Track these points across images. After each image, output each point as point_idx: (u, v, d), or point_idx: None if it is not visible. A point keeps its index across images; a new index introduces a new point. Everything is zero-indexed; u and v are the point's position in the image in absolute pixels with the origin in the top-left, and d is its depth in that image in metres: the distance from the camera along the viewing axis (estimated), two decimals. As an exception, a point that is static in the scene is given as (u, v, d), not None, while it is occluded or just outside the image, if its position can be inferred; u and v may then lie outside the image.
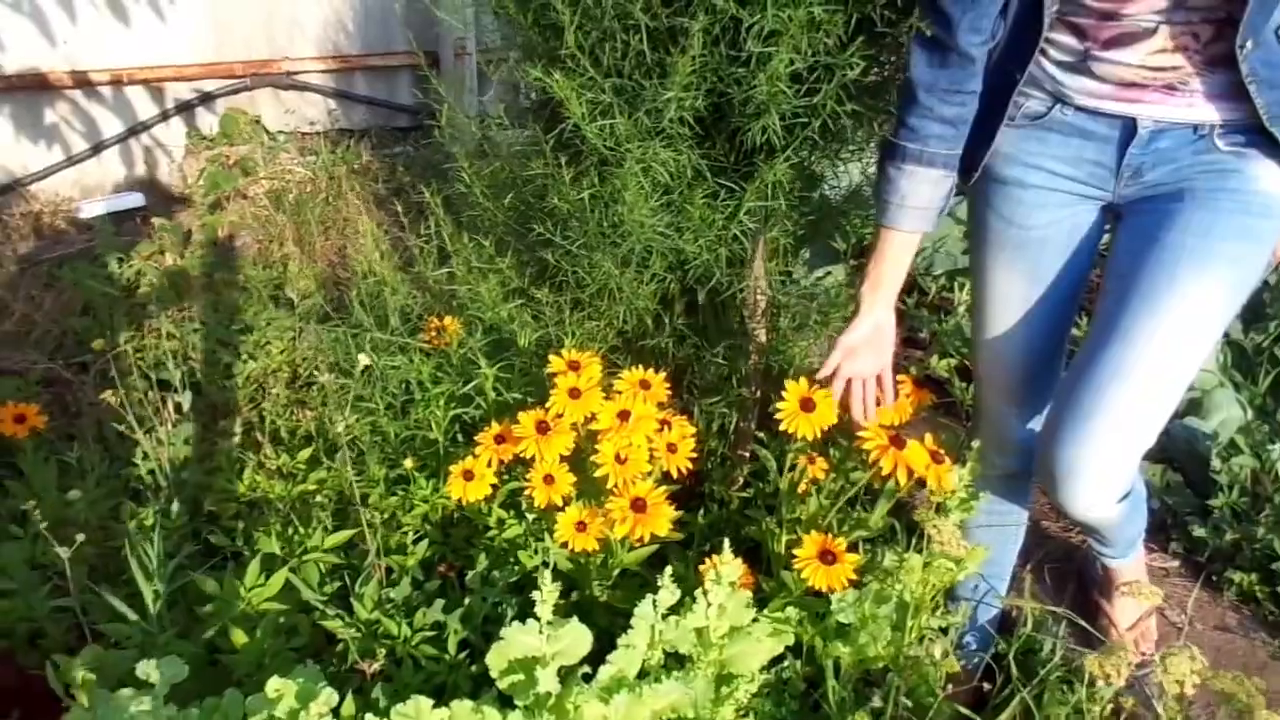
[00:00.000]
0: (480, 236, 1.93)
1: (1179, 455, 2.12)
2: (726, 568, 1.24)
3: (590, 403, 1.47)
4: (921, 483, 1.44)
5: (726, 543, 1.25)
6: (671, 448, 1.50)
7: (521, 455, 1.46)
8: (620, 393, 1.51)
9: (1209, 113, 1.25)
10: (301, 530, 1.58)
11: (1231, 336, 2.37)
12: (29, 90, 3.24)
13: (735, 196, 1.62)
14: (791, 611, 1.39)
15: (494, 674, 1.15)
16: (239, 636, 1.31)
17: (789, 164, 1.54)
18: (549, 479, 1.44)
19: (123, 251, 2.79)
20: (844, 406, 1.46)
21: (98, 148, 3.42)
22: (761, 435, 1.72)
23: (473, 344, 1.75)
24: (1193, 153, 1.28)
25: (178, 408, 1.96)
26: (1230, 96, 1.22)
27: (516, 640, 1.17)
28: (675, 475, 1.50)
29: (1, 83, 3.17)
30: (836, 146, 1.72)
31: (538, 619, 1.14)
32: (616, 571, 1.53)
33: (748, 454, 1.82)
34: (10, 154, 3.30)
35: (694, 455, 1.52)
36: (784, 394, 1.46)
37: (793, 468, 1.56)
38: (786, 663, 1.40)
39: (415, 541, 1.61)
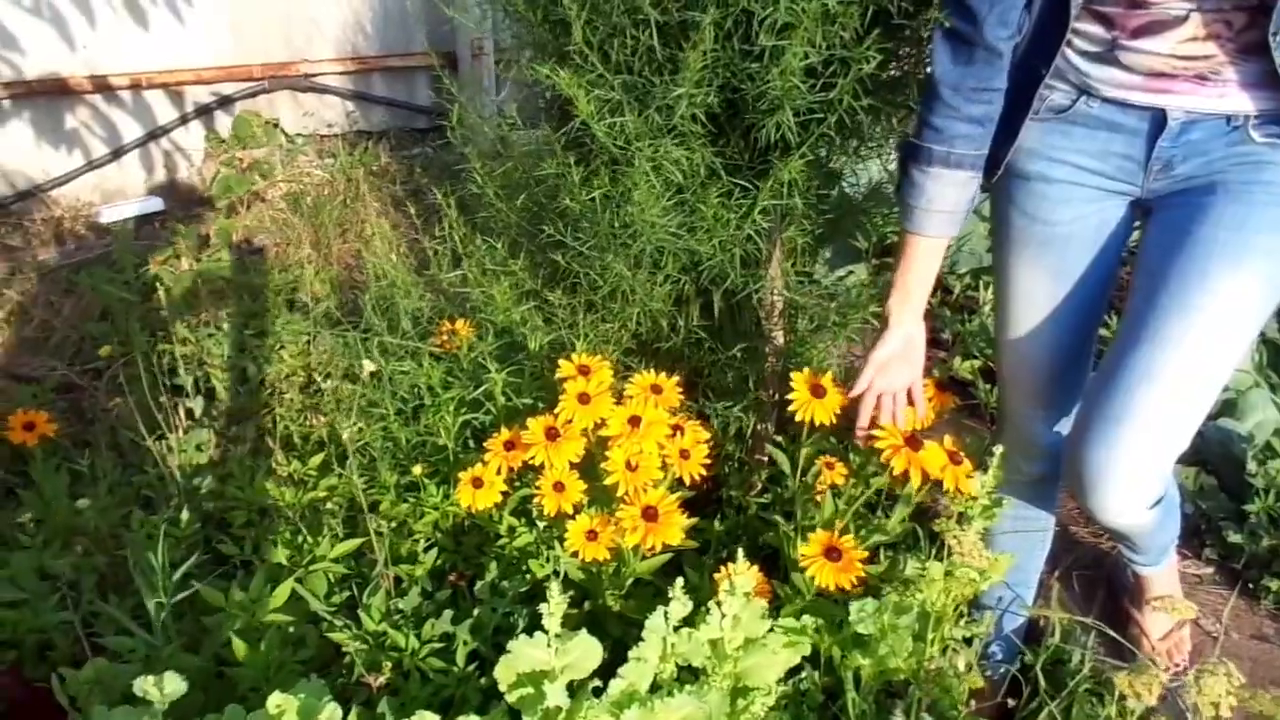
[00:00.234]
0: (493, 238, 1.90)
1: (1213, 458, 2.05)
2: (741, 577, 1.20)
3: (600, 408, 1.43)
4: (941, 486, 1.39)
5: (741, 551, 1.21)
6: (684, 454, 1.46)
7: (531, 462, 1.43)
8: (631, 398, 1.48)
9: (1242, 103, 1.20)
10: (310, 539, 1.56)
11: (1267, 335, 2.29)
12: (49, 95, 3.25)
13: (750, 195, 1.58)
14: (809, 620, 1.35)
15: (502, 687, 1.12)
16: (241, 649, 1.29)
17: (804, 160, 1.49)
18: (559, 486, 1.41)
19: (140, 256, 2.79)
20: (874, 423, 1.42)
21: (118, 152, 3.43)
22: (779, 439, 1.68)
23: (483, 348, 1.72)
24: (1225, 144, 1.23)
25: (190, 413, 1.94)
26: (1265, 86, 1.17)
27: (524, 653, 1.14)
28: (689, 482, 1.46)
29: (21, 88, 3.19)
30: (854, 143, 1.68)
31: (546, 630, 1.12)
32: (629, 581, 1.49)
33: (765, 458, 1.78)
34: (31, 159, 3.31)
35: (710, 460, 1.49)
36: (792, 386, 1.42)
37: (808, 472, 1.52)
38: (804, 674, 1.36)
39: (426, 550, 1.59)
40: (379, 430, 1.77)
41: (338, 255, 3.02)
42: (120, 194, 3.48)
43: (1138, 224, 1.38)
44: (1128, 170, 1.29)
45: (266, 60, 3.64)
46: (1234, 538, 1.87)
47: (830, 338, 1.80)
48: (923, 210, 1.32)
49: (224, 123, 3.65)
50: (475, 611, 1.42)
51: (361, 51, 3.83)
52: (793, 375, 1.43)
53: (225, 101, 3.60)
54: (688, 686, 1.17)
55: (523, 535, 1.55)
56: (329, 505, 1.71)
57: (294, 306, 2.50)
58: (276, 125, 3.73)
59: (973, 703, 1.28)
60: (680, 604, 1.17)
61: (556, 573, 1.46)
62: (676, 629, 1.19)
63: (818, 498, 1.53)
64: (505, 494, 1.49)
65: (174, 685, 1.05)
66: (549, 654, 1.12)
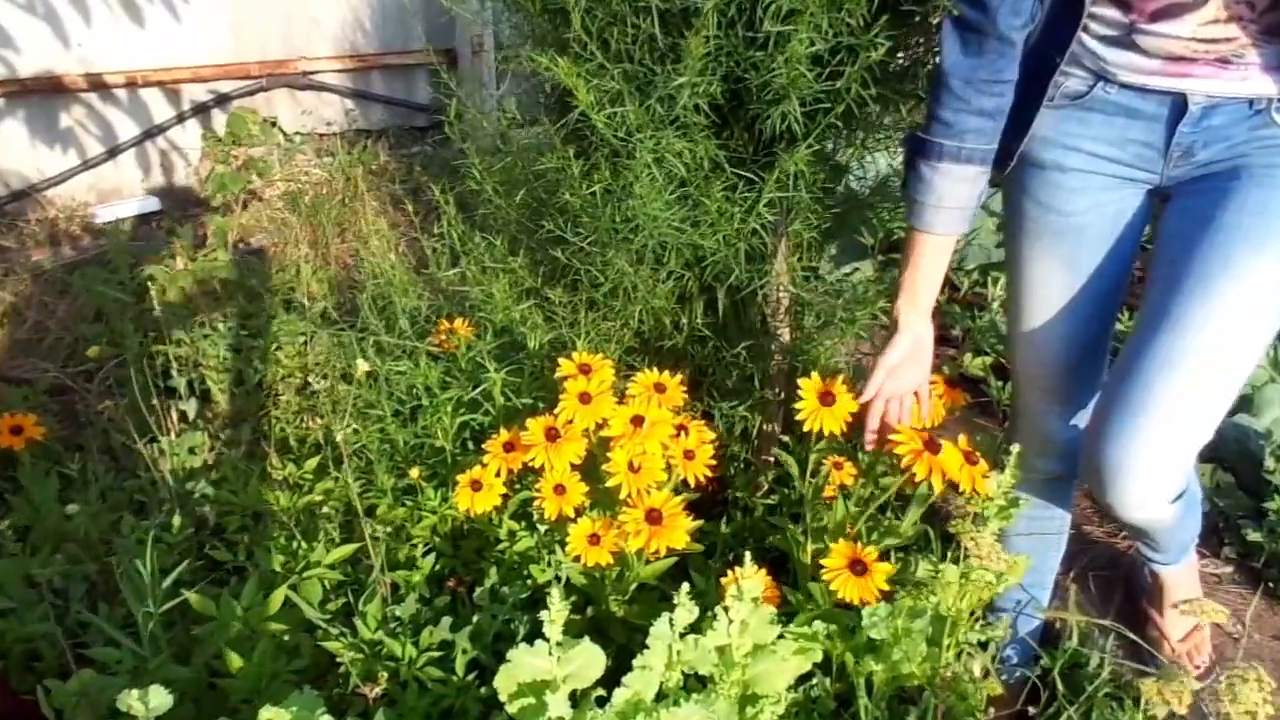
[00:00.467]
0: (493, 235, 1.87)
1: (1229, 455, 2.01)
2: (749, 582, 1.16)
3: (601, 408, 1.39)
4: (956, 486, 1.35)
5: (749, 555, 1.17)
6: (689, 454, 1.42)
7: (531, 464, 1.39)
8: (634, 397, 1.43)
9: (1265, 86, 1.16)
10: (305, 544, 1.52)
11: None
12: (43, 93, 3.21)
13: (754, 188, 1.53)
14: (819, 626, 1.31)
15: (503, 698, 1.09)
16: (233, 660, 1.25)
17: (811, 152, 1.45)
18: (560, 489, 1.37)
19: (136, 257, 2.76)
20: (883, 425, 1.38)
21: (113, 151, 3.39)
22: (785, 439, 1.64)
23: (482, 346, 1.68)
24: (1248, 129, 1.19)
25: (183, 416, 1.90)
26: None
27: (525, 662, 1.10)
28: (694, 484, 1.42)
29: (15, 86, 3.15)
30: (861, 135, 1.63)
31: (547, 639, 1.08)
32: (633, 586, 1.45)
33: (772, 459, 1.74)
34: (25, 159, 3.27)
35: (715, 461, 1.44)
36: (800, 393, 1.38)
37: (816, 473, 1.48)
38: (815, 680, 1.32)
39: (423, 555, 1.55)
40: (376, 432, 1.73)
41: (336, 255, 2.98)
42: (116, 194, 3.44)
43: (1153, 214, 1.34)
44: (1146, 158, 1.25)
45: (264, 58, 3.59)
46: (1253, 536, 1.82)
47: (838, 334, 1.76)
48: (931, 207, 1.28)
49: (221, 122, 3.61)
50: (474, 618, 1.38)
51: (360, 49, 3.79)
52: (800, 382, 1.38)
53: (223, 100, 3.56)
54: (695, 695, 1.14)
55: (523, 539, 1.51)
56: (324, 509, 1.67)
57: (291, 307, 2.46)
58: (274, 124, 3.69)
59: (991, 710, 1.23)
60: (686, 610, 1.14)
61: (558, 578, 1.42)
62: (683, 636, 1.15)
63: (827, 500, 1.49)
64: (505, 497, 1.45)
65: (159, 699, 1.01)
66: (551, 662, 1.08)
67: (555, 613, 1.06)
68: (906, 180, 1.31)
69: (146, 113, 3.44)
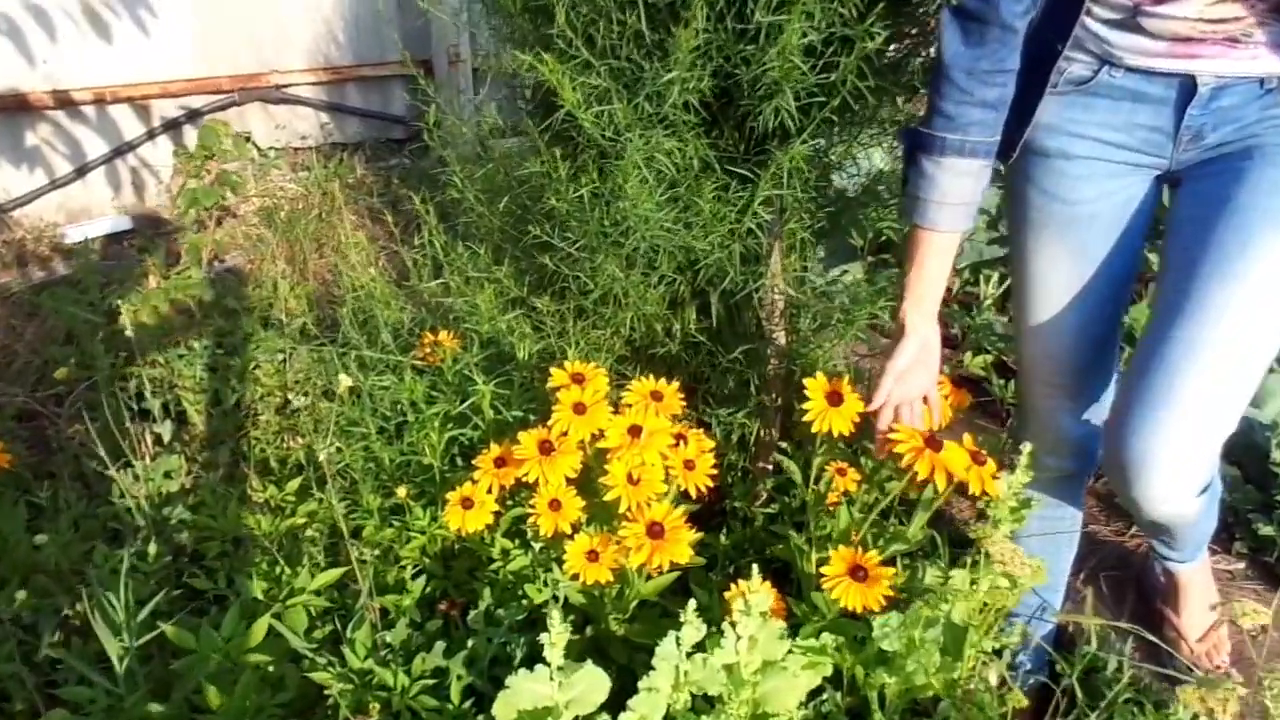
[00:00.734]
0: (476, 245, 1.81)
1: (1234, 448, 1.97)
2: (756, 595, 1.11)
3: (597, 418, 1.33)
4: (962, 490, 1.30)
5: (755, 568, 1.12)
6: (689, 464, 1.36)
7: (524, 479, 1.32)
8: (630, 406, 1.38)
9: (1276, 64, 1.13)
10: (289, 570, 1.45)
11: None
12: (8, 111, 3.13)
13: (747, 188, 1.48)
14: (828, 639, 1.26)
15: (501, 727, 1.03)
16: (214, 695, 1.18)
17: (806, 146, 1.40)
18: (555, 504, 1.31)
19: (107, 277, 2.68)
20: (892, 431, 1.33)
21: (82, 170, 3.31)
22: (784, 445, 1.59)
23: (469, 359, 1.62)
24: (1260, 108, 1.15)
25: (159, 439, 1.83)
26: None
27: (524, 689, 1.05)
28: (695, 495, 1.37)
29: (-21, 105, 3.07)
30: (856, 130, 1.59)
31: (547, 663, 1.02)
32: (634, 603, 1.39)
33: (771, 466, 1.69)
34: (-10, 180, 3.19)
35: (713, 470, 1.39)
36: (807, 394, 1.33)
37: (818, 479, 1.43)
38: (825, 695, 1.27)
39: (413, 578, 1.48)
40: (360, 450, 1.67)
41: (314, 271, 2.91)
42: (85, 213, 3.35)
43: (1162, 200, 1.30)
44: (1155, 142, 1.21)
45: (235, 72, 3.52)
46: (1265, 530, 1.78)
47: (836, 336, 1.71)
48: (935, 204, 1.23)
49: (193, 137, 3.53)
50: (469, 643, 1.32)
51: (334, 61, 3.72)
52: (807, 383, 1.33)
53: (194, 115, 3.48)
54: (704, 717, 1.09)
55: (518, 558, 1.45)
56: (308, 533, 1.61)
57: (269, 324, 2.39)
58: (248, 139, 3.62)
59: (1009, 721, 1.18)
60: (694, 628, 1.08)
61: (556, 597, 1.36)
62: (689, 655, 1.10)
63: (831, 507, 1.44)
64: (497, 514, 1.39)
65: (134, 742, 0.94)
66: (552, 688, 1.04)
67: (556, 635, 1.00)
68: (907, 176, 1.26)
69: (116, 130, 3.36)
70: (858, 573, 1.23)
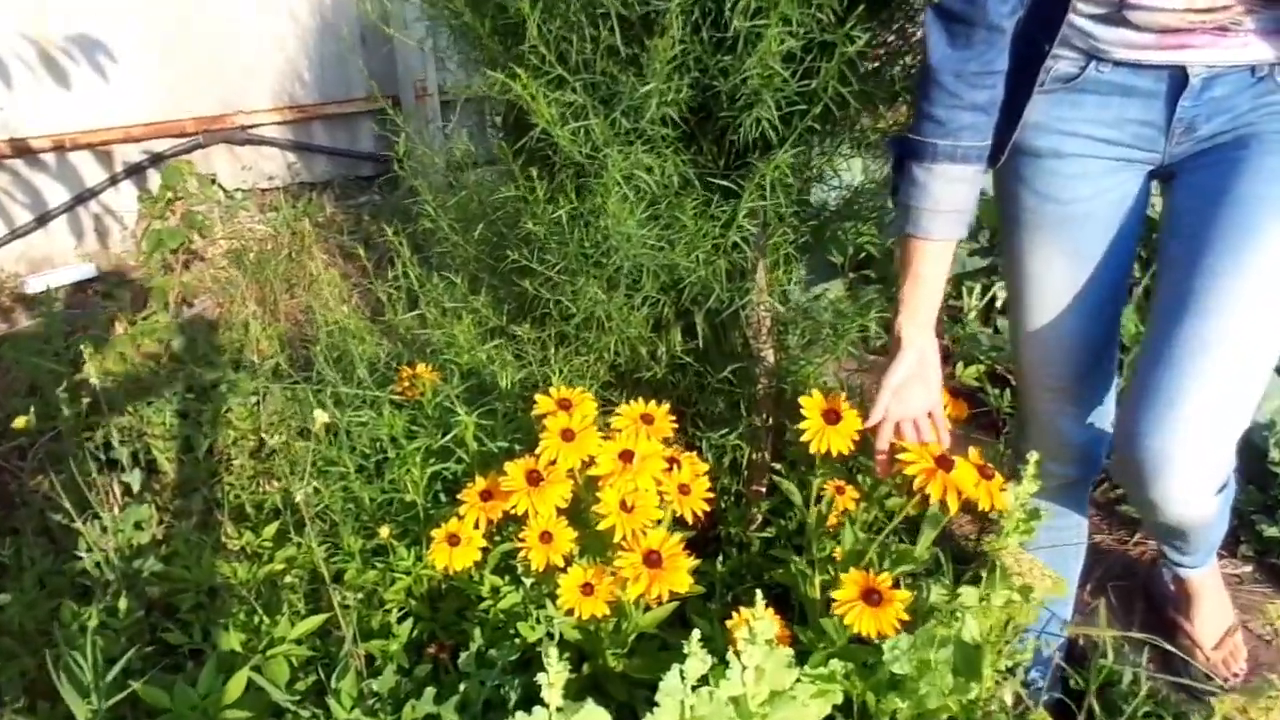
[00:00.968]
0: (451, 275, 1.76)
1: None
2: (760, 623, 1.05)
3: (586, 445, 1.28)
4: (966, 505, 1.26)
5: (759, 594, 1.07)
6: (684, 489, 1.31)
7: (512, 512, 1.27)
8: (620, 431, 1.32)
9: (1266, 50, 1.11)
10: (267, 619, 1.38)
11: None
12: (-36, 162, 3.06)
13: (730, 202, 1.45)
14: (837, 665, 1.20)
15: (499, 777, 0.97)
16: (191, 758, 1.11)
17: (790, 156, 1.36)
18: (546, 537, 1.25)
19: (71, 326, 2.60)
20: (893, 449, 1.28)
21: (43, 219, 3.24)
22: (778, 467, 1.54)
23: (450, 390, 1.56)
24: (1252, 96, 1.13)
25: (127, 489, 1.76)
26: None
27: (524, 733, 0.98)
28: (690, 520, 1.31)
29: (-66, 157, 3.00)
30: (838, 140, 1.55)
31: (545, 704, 0.96)
32: (632, 636, 1.33)
33: (764, 489, 1.64)
34: (-52, 232, 3.11)
35: (708, 495, 1.34)
36: (802, 413, 1.28)
37: (819, 499, 1.38)
38: (835, 724, 1.21)
39: (399, 621, 1.42)
40: (339, 490, 1.60)
41: (285, 311, 2.85)
42: (48, 262, 3.28)
43: (1156, 194, 1.27)
44: (1147, 137, 1.18)
45: (199, 114, 3.47)
46: (1269, 531, 1.75)
47: (825, 352, 1.66)
48: (928, 212, 1.19)
49: (157, 182, 3.47)
50: (461, 687, 1.26)
51: (299, 100, 3.68)
52: (803, 401, 1.28)
53: (157, 160, 3.42)
54: (714, 755, 1.03)
55: (508, 595, 1.39)
56: (287, 579, 1.54)
57: (240, 367, 2.32)
58: (214, 181, 3.56)
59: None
60: (699, 660, 1.03)
61: (550, 635, 1.29)
62: (694, 688, 1.04)
63: (831, 528, 1.39)
64: (485, 550, 1.33)
65: (104, 814, 0.87)
66: (552, 733, 0.97)
67: (554, 674, 0.95)
68: (897, 186, 1.23)
69: (77, 177, 3.30)
70: (872, 596, 1.18)
